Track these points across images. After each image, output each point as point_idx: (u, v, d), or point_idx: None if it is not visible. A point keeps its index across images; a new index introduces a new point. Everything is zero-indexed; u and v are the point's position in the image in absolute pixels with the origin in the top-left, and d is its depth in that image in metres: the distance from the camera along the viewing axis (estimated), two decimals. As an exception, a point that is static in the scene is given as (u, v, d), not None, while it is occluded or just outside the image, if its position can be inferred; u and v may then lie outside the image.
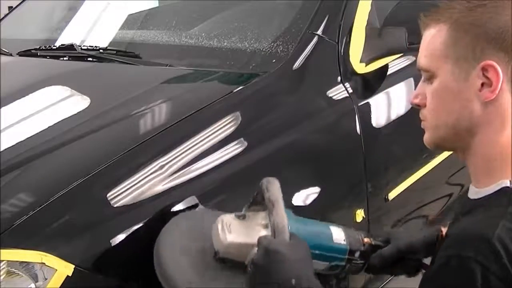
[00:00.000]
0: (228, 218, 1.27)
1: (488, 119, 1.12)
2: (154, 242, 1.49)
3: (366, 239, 1.38)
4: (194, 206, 1.52)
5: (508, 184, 1.10)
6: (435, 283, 1.08)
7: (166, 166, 1.57)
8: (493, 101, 1.11)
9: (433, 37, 1.17)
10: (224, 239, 1.24)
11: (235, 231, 1.24)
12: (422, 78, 1.21)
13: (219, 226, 1.26)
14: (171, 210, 1.53)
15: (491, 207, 1.10)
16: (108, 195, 1.49)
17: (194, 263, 1.30)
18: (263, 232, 1.22)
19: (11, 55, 2.45)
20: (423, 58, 1.18)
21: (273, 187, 1.23)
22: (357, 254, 1.36)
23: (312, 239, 1.27)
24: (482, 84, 1.11)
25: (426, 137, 1.22)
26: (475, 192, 1.17)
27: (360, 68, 2.05)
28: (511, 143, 1.12)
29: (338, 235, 1.35)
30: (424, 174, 2.26)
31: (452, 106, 1.15)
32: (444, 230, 1.31)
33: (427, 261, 1.31)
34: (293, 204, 1.75)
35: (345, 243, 1.34)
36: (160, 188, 1.54)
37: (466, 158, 1.18)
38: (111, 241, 1.44)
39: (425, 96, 1.19)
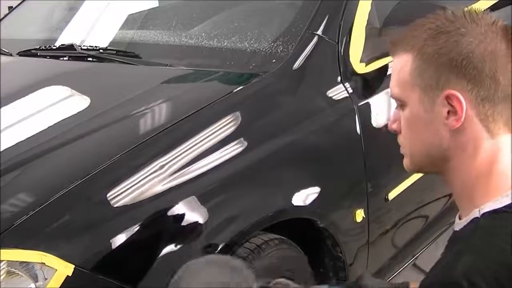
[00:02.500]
0: None
1: (459, 146, 1.12)
2: (154, 242, 1.50)
3: None
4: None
5: (477, 215, 1.09)
6: None
7: (166, 166, 1.57)
8: (461, 128, 1.11)
9: (401, 66, 1.16)
10: None
11: None
12: (396, 105, 1.22)
13: None
14: (171, 210, 1.54)
15: (459, 241, 1.10)
16: (108, 195, 1.49)
17: None
18: None
19: (11, 55, 2.45)
20: (394, 87, 1.18)
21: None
22: None
23: None
24: (449, 112, 1.11)
25: (406, 163, 1.23)
26: (456, 224, 1.17)
27: (360, 68, 2.05)
28: (485, 167, 1.11)
29: None
30: (424, 174, 2.26)
31: (423, 135, 1.15)
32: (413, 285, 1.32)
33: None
34: (293, 205, 1.76)
35: None
36: (160, 188, 1.54)
37: (448, 183, 1.19)
38: (111, 241, 1.44)
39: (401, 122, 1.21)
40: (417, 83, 1.13)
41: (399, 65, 1.17)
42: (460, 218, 1.16)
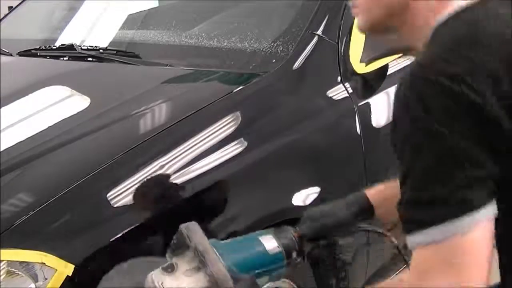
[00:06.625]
0: (158, 276, 1.14)
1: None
2: (154, 242, 1.50)
3: (296, 233, 1.32)
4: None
5: None
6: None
7: (166, 166, 1.58)
8: None
9: None
10: None
11: None
12: None
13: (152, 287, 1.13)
14: (171, 210, 1.54)
15: None
16: (108, 195, 1.49)
17: None
18: (198, 277, 1.13)
19: (11, 55, 2.45)
20: None
21: (196, 236, 1.15)
22: (294, 254, 1.29)
23: (249, 262, 1.21)
24: None
25: (360, 22, 1.19)
26: None
27: (360, 68, 2.05)
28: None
29: (270, 244, 1.27)
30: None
31: None
32: None
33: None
34: (293, 205, 1.76)
35: (280, 249, 1.27)
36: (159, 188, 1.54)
37: (402, 39, 1.15)
38: (111, 241, 1.44)
39: None
40: None
41: None
42: None
